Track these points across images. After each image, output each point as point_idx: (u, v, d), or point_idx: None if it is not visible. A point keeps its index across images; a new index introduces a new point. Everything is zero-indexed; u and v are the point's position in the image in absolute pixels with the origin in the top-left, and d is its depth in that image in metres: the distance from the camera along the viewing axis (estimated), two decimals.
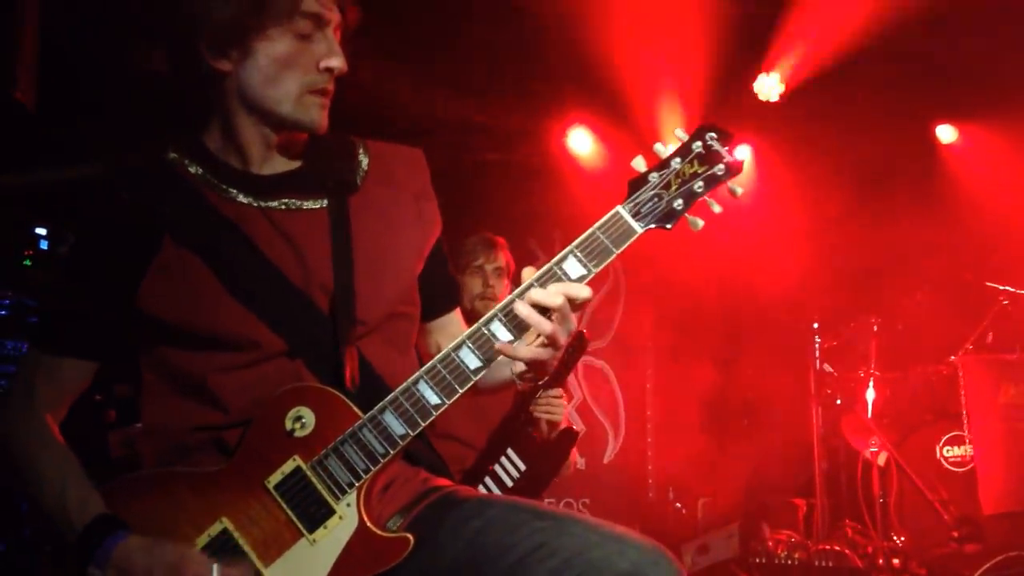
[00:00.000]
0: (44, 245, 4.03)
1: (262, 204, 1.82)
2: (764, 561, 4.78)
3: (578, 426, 6.05)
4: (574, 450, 3.55)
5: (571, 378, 5.54)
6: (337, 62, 1.79)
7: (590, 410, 6.24)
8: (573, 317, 1.67)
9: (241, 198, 1.82)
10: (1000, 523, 4.54)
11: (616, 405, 6.29)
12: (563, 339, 1.65)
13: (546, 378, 1.82)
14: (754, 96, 5.60)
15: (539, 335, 1.64)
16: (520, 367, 1.77)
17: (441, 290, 2.03)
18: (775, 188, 5.94)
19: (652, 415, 6.24)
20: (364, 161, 1.94)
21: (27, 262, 4.00)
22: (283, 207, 1.83)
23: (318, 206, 1.85)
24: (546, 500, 3.52)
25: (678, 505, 6.01)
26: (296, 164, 1.89)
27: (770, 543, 4.93)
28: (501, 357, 1.75)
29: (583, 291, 1.64)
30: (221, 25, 1.73)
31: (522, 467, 3.38)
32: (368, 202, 1.89)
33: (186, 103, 1.88)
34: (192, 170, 1.84)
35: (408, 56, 5.05)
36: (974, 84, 5.54)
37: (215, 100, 1.84)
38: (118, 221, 1.79)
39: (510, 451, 3.40)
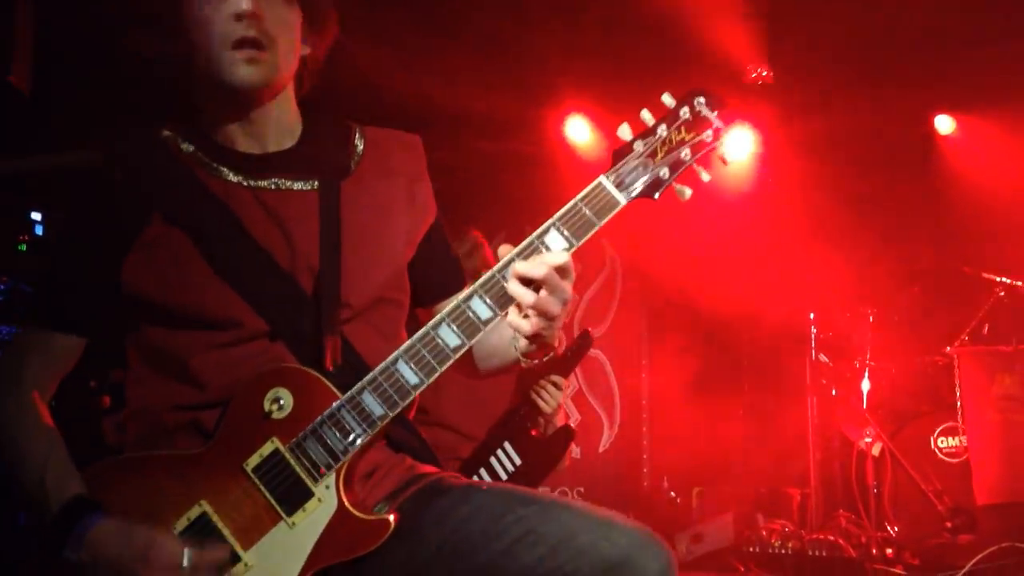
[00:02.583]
0: (39, 230, 4.01)
1: (252, 183, 1.81)
2: (758, 550, 4.80)
3: (574, 416, 6.06)
4: (574, 442, 3.56)
5: None
6: (244, 5, 1.70)
7: (585, 399, 6.25)
8: (565, 285, 1.61)
9: (231, 177, 1.81)
10: (993, 514, 4.56)
11: (612, 394, 6.30)
12: (555, 309, 1.60)
13: (550, 354, 1.77)
14: (752, 87, 5.59)
15: (532, 308, 1.60)
16: (523, 344, 1.72)
17: (443, 272, 2.00)
18: (772, 178, 5.93)
19: (647, 404, 6.24)
20: (359, 146, 1.91)
21: (22, 247, 3.98)
22: (273, 187, 1.81)
23: (309, 188, 1.83)
24: (540, 489, 3.52)
25: (673, 494, 6.02)
26: (289, 145, 1.88)
27: (764, 532, 4.94)
28: (507, 335, 1.74)
29: (560, 257, 1.58)
30: (157, 9, 1.75)
31: (518, 461, 3.39)
32: (360, 187, 1.87)
33: (175, 86, 1.87)
34: (184, 148, 1.83)
35: (404, 45, 5.03)
36: (972, 75, 5.52)
37: (192, 82, 1.83)
38: (107, 196, 1.78)
39: (507, 445, 3.40)
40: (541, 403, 3.38)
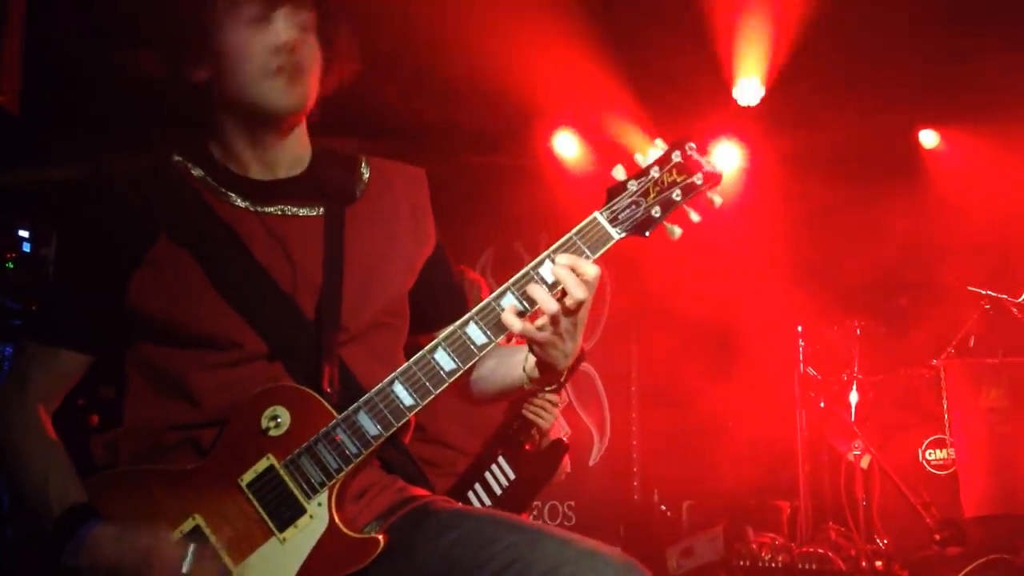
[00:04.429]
0: (27, 248, 4.01)
1: (258, 208, 1.85)
2: (748, 563, 4.81)
3: (564, 429, 6.06)
4: (565, 456, 3.57)
5: None
6: (284, 35, 1.79)
7: (575, 413, 6.26)
8: (580, 315, 1.66)
9: (238, 202, 1.85)
10: (981, 526, 4.57)
11: (601, 408, 6.30)
12: (563, 324, 1.65)
13: (554, 384, 1.82)
14: (736, 100, 5.62)
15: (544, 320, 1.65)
16: (532, 368, 1.78)
17: (445, 299, 2.03)
18: (758, 193, 5.97)
19: (637, 417, 6.25)
20: (365, 175, 1.97)
21: (9, 264, 3.98)
22: (279, 212, 1.86)
23: (315, 213, 1.88)
24: (533, 503, 3.52)
25: (663, 507, 6.02)
26: (297, 172, 1.93)
27: (754, 545, 4.95)
28: (513, 362, 1.79)
29: (593, 269, 1.64)
30: (185, 37, 1.80)
31: (512, 476, 3.39)
32: (365, 213, 1.92)
33: (187, 113, 1.91)
34: (194, 173, 1.88)
35: (394, 60, 5.05)
36: (956, 89, 5.57)
37: (208, 108, 1.88)
38: (115, 214, 1.82)
39: (501, 459, 3.41)
40: (539, 420, 3.40)
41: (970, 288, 5.07)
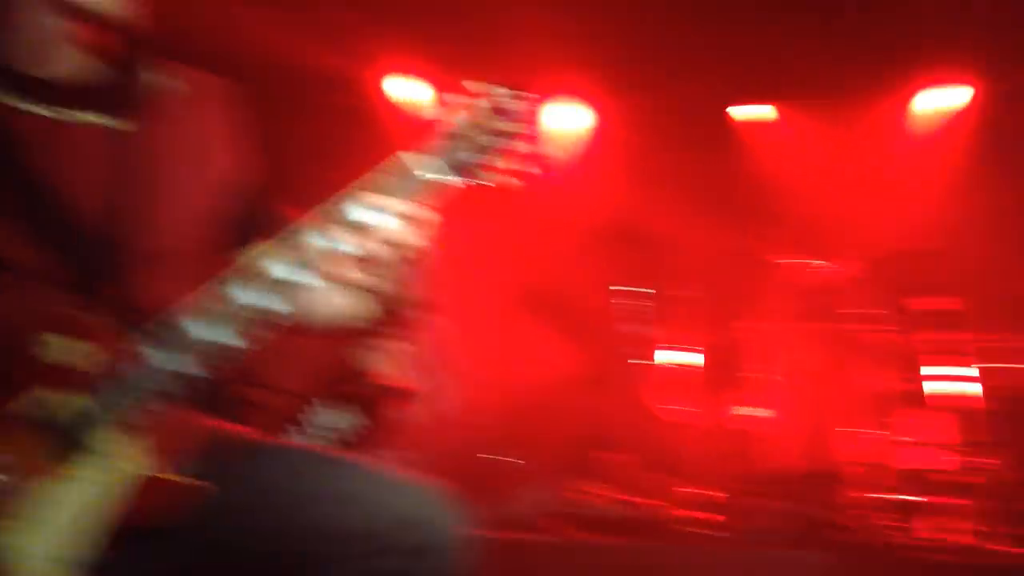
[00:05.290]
0: None
1: (47, 113, 1.64)
2: (578, 513, 4.93)
3: (407, 382, 5.98)
4: (409, 406, 3.52)
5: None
6: None
7: (422, 366, 6.17)
8: (396, 257, 1.57)
9: (18, 102, 1.63)
10: (785, 480, 4.86)
11: (450, 361, 6.25)
12: (379, 266, 1.57)
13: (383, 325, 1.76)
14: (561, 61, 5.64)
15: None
16: (355, 308, 1.65)
17: (251, 222, 1.83)
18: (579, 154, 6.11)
19: (478, 371, 6.24)
20: (168, 83, 1.77)
21: None
22: (69, 118, 1.65)
23: (110, 122, 1.68)
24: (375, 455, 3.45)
25: (500, 458, 6.06)
26: (92, 72, 1.70)
27: (585, 496, 5.09)
28: (334, 298, 1.65)
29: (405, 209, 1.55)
30: None
31: (350, 422, 3.32)
32: (164, 126, 1.73)
33: None
34: None
35: None
36: (767, 67, 5.85)
37: None
38: None
39: (336, 405, 3.32)
40: (375, 366, 3.33)
41: (771, 257, 5.33)
